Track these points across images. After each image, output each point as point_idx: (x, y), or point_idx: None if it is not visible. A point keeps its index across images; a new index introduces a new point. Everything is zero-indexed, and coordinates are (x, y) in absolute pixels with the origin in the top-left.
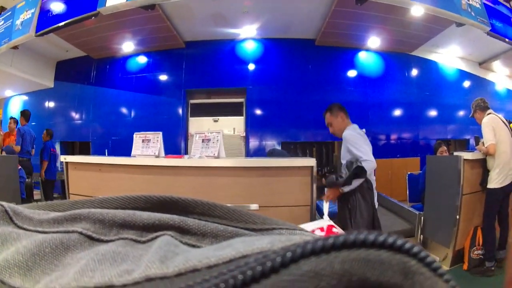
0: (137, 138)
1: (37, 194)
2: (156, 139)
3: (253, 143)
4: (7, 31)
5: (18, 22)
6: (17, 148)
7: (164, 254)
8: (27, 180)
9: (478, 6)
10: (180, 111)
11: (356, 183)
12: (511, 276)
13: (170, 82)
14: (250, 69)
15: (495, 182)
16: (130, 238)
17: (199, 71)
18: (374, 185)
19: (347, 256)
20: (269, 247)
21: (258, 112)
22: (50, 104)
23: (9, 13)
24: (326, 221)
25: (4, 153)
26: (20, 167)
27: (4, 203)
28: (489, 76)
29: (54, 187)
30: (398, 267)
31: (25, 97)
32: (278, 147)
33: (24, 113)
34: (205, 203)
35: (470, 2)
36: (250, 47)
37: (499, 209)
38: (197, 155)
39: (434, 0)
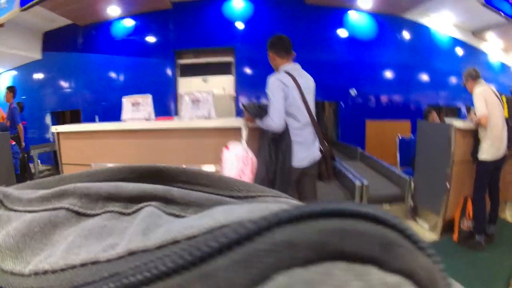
0: (127, 102)
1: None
2: (146, 102)
3: (243, 101)
4: None
5: (3, 1)
6: (21, 127)
7: (147, 226)
8: (20, 156)
9: None
10: (169, 72)
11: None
12: None
13: (158, 44)
14: (238, 28)
15: (486, 154)
16: (115, 211)
17: (187, 31)
18: (300, 142)
19: (324, 226)
20: (247, 216)
21: (248, 71)
22: (39, 76)
23: None
24: (242, 150)
25: None
26: (14, 142)
27: None
28: (483, 46)
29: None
30: (376, 239)
31: (14, 72)
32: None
33: (12, 89)
34: (189, 171)
35: None
36: (238, 6)
37: (489, 181)
38: (187, 116)
39: None
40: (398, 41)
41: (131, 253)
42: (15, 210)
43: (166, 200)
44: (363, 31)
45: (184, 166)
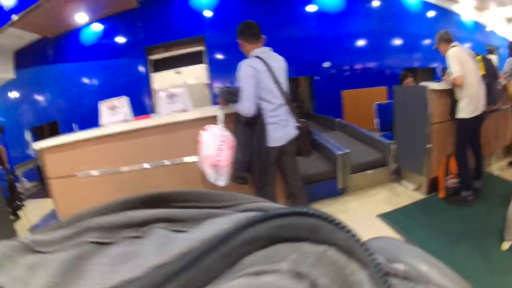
0: (103, 106)
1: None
2: (122, 104)
3: (216, 87)
4: None
5: None
6: (3, 149)
7: (159, 245)
8: (6, 178)
9: None
10: (142, 69)
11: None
12: None
13: (128, 43)
14: (206, 16)
15: (464, 112)
16: (130, 236)
17: (155, 27)
18: (275, 123)
19: (274, 224)
20: (228, 226)
21: (219, 57)
22: (15, 95)
23: None
24: (219, 130)
25: None
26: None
27: (22, 238)
28: (455, 8)
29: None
30: (306, 226)
31: None
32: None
33: None
34: (182, 192)
35: None
36: None
37: (470, 138)
38: (164, 112)
39: None
40: (368, 10)
41: (154, 268)
42: (45, 253)
43: (168, 220)
44: (331, 4)
45: (167, 162)
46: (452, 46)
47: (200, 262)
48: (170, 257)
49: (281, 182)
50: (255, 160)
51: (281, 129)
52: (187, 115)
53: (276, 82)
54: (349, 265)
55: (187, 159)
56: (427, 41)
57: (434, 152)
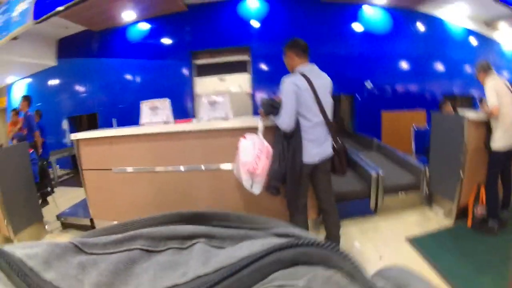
0: (145, 106)
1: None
2: (164, 105)
3: (260, 98)
4: (5, 25)
5: (15, 14)
6: (38, 134)
7: (202, 258)
8: (39, 163)
9: None
10: (186, 72)
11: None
12: None
13: (174, 46)
14: (254, 26)
15: (498, 143)
16: (175, 247)
17: (202, 32)
18: (311, 140)
19: (296, 251)
20: (258, 248)
21: (264, 68)
22: (55, 82)
23: (5, 7)
24: (259, 139)
25: (15, 141)
26: (32, 150)
27: (72, 239)
28: (495, 36)
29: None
30: (321, 255)
31: (28, 80)
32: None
33: (27, 98)
34: (221, 214)
35: None
36: (253, 6)
37: (502, 169)
38: (205, 118)
39: None
40: (413, 33)
41: (199, 277)
42: (96, 254)
43: (209, 237)
44: (377, 25)
45: (203, 167)
46: (491, 77)
47: (236, 275)
48: (212, 269)
49: (314, 197)
50: (289, 173)
51: (317, 147)
52: (227, 123)
53: (317, 100)
54: (351, 287)
55: (224, 166)
56: (468, 68)
57: (466, 180)
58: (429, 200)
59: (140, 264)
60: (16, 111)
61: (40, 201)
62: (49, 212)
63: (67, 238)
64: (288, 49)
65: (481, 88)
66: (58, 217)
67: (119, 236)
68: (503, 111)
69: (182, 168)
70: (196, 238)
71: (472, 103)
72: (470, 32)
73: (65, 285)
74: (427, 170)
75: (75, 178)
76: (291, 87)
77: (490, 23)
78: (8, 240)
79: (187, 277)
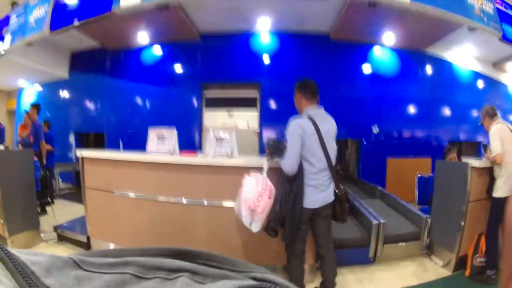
0: (152, 134)
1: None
2: (171, 135)
3: (266, 138)
4: (21, 28)
5: (31, 19)
6: (45, 145)
7: None
8: (42, 172)
9: (490, 11)
10: (195, 103)
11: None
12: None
13: (185, 75)
14: (264, 63)
15: (501, 191)
16: (162, 277)
17: (214, 64)
18: (314, 185)
19: None
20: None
21: (273, 106)
22: (65, 95)
23: (22, 9)
24: (263, 178)
25: (20, 146)
26: (36, 159)
27: (72, 255)
28: (503, 78)
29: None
30: None
31: (39, 88)
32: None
33: (36, 106)
34: (206, 253)
35: (483, 7)
36: (264, 41)
37: (503, 217)
38: (211, 154)
39: (447, 4)
40: (420, 76)
41: None
42: (91, 271)
43: (193, 272)
44: (386, 66)
45: (205, 202)
46: (496, 123)
47: None
48: None
49: (312, 242)
50: (289, 217)
51: (319, 193)
52: (232, 161)
53: (323, 146)
54: None
55: (225, 203)
56: (475, 112)
57: (466, 230)
58: (429, 250)
59: (129, 287)
60: (29, 114)
61: (39, 209)
62: (47, 222)
63: (61, 249)
64: (297, 90)
65: (486, 134)
66: (55, 228)
67: (114, 260)
68: (507, 158)
69: (184, 200)
70: (182, 272)
71: (478, 149)
72: (477, 75)
73: None
74: (429, 221)
75: (76, 194)
76: (297, 131)
77: (498, 65)
78: (2, 239)
79: None
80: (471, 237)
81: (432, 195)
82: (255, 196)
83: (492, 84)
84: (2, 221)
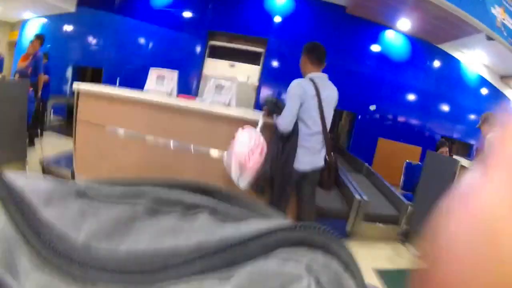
0: (153, 73)
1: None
2: (171, 77)
3: (265, 94)
4: None
5: None
6: (46, 78)
7: (207, 228)
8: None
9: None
10: (198, 50)
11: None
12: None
13: (193, 20)
14: (275, 21)
15: None
16: (179, 212)
17: (223, 13)
18: (306, 147)
19: (301, 234)
20: (267, 227)
21: (275, 64)
22: (69, 28)
23: None
24: (257, 134)
25: (17, 75)
26: (32, 89)
27: (79, 181)
28: (507, 92)
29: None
30: (322, 240)
31: (44, 20)
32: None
33: (40, 37)
34: (226, 193)
35: (505, 22)
36: (279, 1)
37: None
38: (209, 100)
39: (470, 8)
40: (428, 67)
41: (202, 243)
42: (99, 200)
43: (213, 210)
44: (395, 51)
45: (194, 147)
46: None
47: (241, 246)
48: (217, 237)
49: (295, 205)
50: (278, 177)
51: (310, 155)
52: (229, 111)
53: (321, 110)
54: (344, 274)
55: (213, 152)
56: (472, 116)
57: None
58: (406, 238)
59: (142, 221)
60: (34, 45)
61: (27, 140)
62: (33, 154)
63: None
64: (305, 52)
65: (480, 137)
66: (41, 161)
67: (127, 189)
68: None
69: (174, 142)
70: (201, 208)
71: (469, 151)
72: (483, 81)
73: (61, 224)
74: (410, 207)
75: (66, 127)
76: (298, 91)
77: (506, 78)
78: None
79: (189, 241)
80: None
81: (417, 183)
82: (247, 151)
83: (496, 94)
84: None
